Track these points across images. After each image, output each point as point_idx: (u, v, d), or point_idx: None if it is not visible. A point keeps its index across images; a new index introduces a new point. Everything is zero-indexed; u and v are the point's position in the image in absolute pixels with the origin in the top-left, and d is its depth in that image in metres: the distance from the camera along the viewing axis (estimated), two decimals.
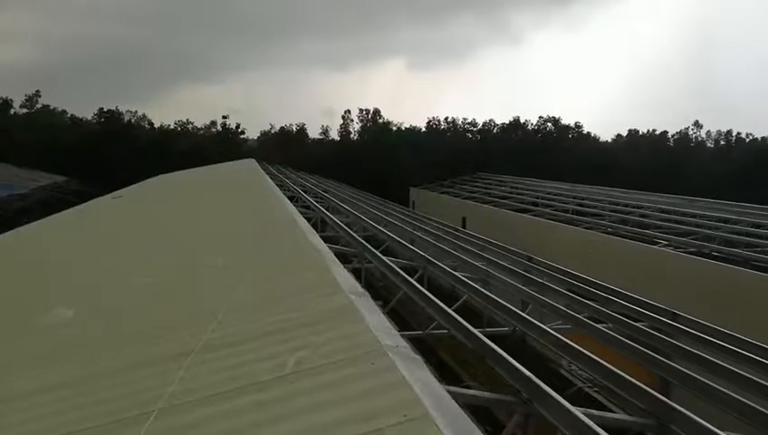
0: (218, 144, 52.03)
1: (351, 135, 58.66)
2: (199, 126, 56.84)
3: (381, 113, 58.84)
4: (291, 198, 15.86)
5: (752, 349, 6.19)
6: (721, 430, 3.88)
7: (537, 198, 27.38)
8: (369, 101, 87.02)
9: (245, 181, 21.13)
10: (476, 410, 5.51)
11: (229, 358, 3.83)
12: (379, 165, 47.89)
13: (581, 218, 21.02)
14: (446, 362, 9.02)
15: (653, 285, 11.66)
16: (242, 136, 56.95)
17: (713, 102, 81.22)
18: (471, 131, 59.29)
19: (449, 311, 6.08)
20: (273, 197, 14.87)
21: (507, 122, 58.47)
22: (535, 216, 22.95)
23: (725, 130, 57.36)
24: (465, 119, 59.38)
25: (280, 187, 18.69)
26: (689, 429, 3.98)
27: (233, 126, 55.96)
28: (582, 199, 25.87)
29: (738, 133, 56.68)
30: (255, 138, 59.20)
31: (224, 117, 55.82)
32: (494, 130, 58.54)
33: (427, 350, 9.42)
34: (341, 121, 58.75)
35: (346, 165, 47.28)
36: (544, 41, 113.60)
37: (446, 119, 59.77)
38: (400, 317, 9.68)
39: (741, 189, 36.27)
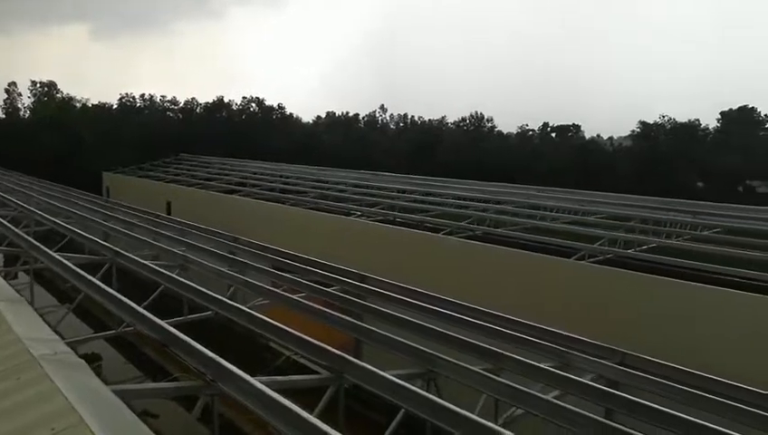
0: None
1: (21, 112, 49.14)
2: None
3: (59, 87, 50.72)
4: None
5: (421, 297, 7.27)
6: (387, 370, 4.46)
7: (244, 178, 27.38)
8: (44, 73, 73.94)
9: None
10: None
11: None
12: (60, 147, 41.25)
13: (287, 196, 21.81)
14: (153, 357, 8.38)
15: (350, 252, 12.82)
16: None
17: (395, 87, 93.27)
18: (172, 110, 55.84)
19: (132, 305, 5.56)
20: None
21: (211, 102, 56.84)
22: (243, 196, 22.92)
23: (403, 114, 66.60)
24: (164, 96, 55.60)
25: None
26: (359, 375, 4.59)
27: None
28: (288, 178, 26.86)
29: (413, 116, 66.43)
30: None
31: None
32: (197, 110, 56.29)
33: (129, 347, 8.59)
34: (5, 96, 48.68)
35: (14, 147, 39.42)
36: (246, 17, 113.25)
37: (143, 96, 55.07)
38: (93, 317, 8.60)
39: (414, 164, 42.64)
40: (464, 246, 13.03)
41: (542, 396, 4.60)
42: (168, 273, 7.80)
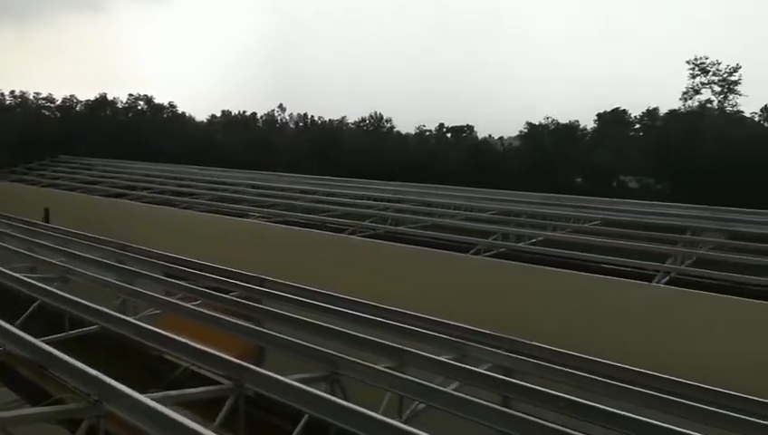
0: None
1: None
2: None
3: None
4: None
5: (323, 298, 7.22)
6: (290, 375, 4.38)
7: (133, 181, 25.70)
8: None
9: None
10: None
11: None
12: None
13: (180, 199, 20.77)
14: (31, 379, 7.62)
15: (248, 256, 12.44)
16: None
17: (293, 87, 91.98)
18: (48, 108, 51.22)
19: (1, 323, 5.00)
20: None
21: (93, 99, 52.79)
22: (133, 200, 21.49)
23: (303, 113, 65.89)
24: (38, 93, 50.86)
25: None
26: (260, 382, 4.48)
27: None
28: (181, 180, 25.58)
29: (313, 116, 65.92)
30: None
31: None
32: (78, 108, 52.05)
33: (1, 370, 7.75)
34: None
35: None
36: (132, 11, 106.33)
37: (13, 93, 50.01)
38: None
39: (315, 164, 42.41)
40: (366, 245, 13.13)
41: (443, 389, 4.73)
42: (45, 286, 7.11)
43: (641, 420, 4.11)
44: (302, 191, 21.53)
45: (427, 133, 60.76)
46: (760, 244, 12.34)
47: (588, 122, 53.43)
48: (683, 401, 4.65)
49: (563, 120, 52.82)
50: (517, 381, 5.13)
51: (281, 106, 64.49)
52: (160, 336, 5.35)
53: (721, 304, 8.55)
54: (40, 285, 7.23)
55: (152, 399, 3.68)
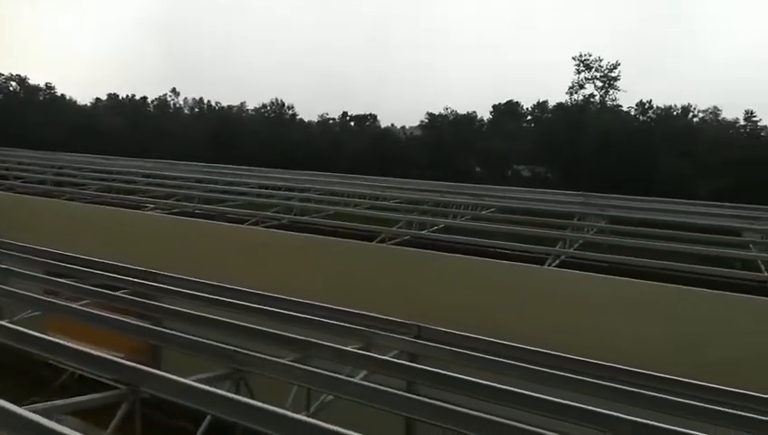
0: None
1: None
2: None
3: None
4: None
5: (223, 292, 6.92)
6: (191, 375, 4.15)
7: (4, 169, 23.21)
8: None
9: None
10: None
11: None
12: None
13: (62, 189, 19.05)
14: None
15: (142, 250, 11.66)
16: None
17: (187, 71, 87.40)
18: None
19: None
20: None
21: None
22: (4, 190, 19.38)
23: (199, 98, 62.87)
24: None
25: None
26: (157, 385, 4.20)
27: None
28: (62, 168, 23.47)
29: (209, 101, 63.10)
30: None
31: None
32: None
33: None
34: None
35: None
36: None
37: None
38: None
39: (213, 151, 40.72)
40: (270, 236, 12.79)
41: (349, 379, 4.71)
42: None
43: (541, 398, 4.33)
44: (200, 180, 20.55)
45: (331, 121, 60.46)
46: (636, 227, 13.54)
47: (484, 113, 55.81)
48: (576, 376, 4.97)
49: (462, 110, 54.77)
50: (422, 367, 5.23)
51: (174, 90, 61.14)
52: (41, 341, 4.84)
53: (606, 284, 9.26)
54: None
55: (33, 410, 3.31)
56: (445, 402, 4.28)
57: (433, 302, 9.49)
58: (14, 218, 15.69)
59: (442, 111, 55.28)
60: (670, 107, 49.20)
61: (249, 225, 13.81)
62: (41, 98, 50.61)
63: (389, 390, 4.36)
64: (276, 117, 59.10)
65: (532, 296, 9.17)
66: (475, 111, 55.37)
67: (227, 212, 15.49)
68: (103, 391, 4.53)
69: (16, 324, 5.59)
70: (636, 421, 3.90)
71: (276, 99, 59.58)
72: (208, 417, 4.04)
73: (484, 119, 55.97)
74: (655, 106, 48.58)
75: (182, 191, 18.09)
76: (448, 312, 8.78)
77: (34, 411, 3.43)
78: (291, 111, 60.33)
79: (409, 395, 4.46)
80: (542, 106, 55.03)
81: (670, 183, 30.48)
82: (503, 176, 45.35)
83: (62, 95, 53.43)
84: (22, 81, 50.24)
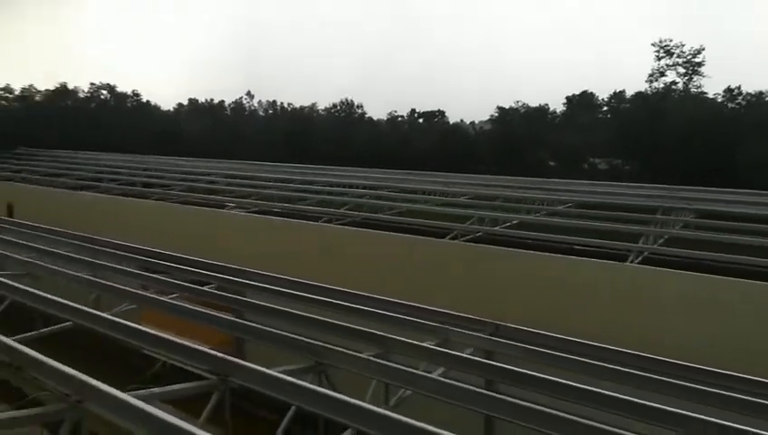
0: None
1: None
2: None
3: None
4: None
5: (303, 288, 7.15)
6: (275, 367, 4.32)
7: (100, 172, 25.04)
8: None
9: None
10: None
11: None
12: None
13: (151, 190, 20.34)
14: (3, 380, 7.41)
15: (225, 247, 12.27)
16: None
17: (260, 74, 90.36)
18: (6, 99, 49.37)
19: None
20: None
21: (53, 89, 51.04)
22: (100, 192, 20.93)
23: (272, 100, 64.83)
24: None
25: None
26: (245, 376, 4.40)
27: None
28: (150, 171, 25.04)
29: (282, 103, 64.90)
30: None
31: None
32: (37, 98, 50.28)
33: None
34: None
35: None
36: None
37: None
38: None
39: (287, 151, 41.90)
40: (344, 233, 13.07)
41: (427, 375, 4.75)
42: (13, 283, 6.88)
43: (620, 398, 4.20)
44: (278, 180, 21.27)
45: (399, 119, 60.57)
46: (726, 222, 12.71)
47: (557, 106, 54.01)
48: (659, 377, 4.77)
49: (533, 103, 53.29)
50: (500, 364, 5.18)
51: (249, 93, 63.37)
52: (138, 332, 5.21)
53: (694, 281, 8.78)
54: (8, 282, 7.00)
55: (136, 396, 3.59)
56: (522, 400, 4.24)
57: (508, 299, 9.36)
58: (110, 218, 16.95)
59: (513, 105, 54.05)
60: (761, 92, 45.61)
61: (323, 222, 14.18)
62: (128, 105, 54.01)
63: (468, 387, 4.36)
64: (346, 116, 59.97)
65: (613, 294, 8.85)
66: (547, 104, 53.74)
67: (303, 210, 15.94)
68: (192, 381, 4.83)
69: (115, 316, 6.05)
70: (721, 424, 3.73)
71: (346, 98, 60.43)
72: (293, 408, 4.20)
73: (557, 111, 54.22)
74: (744, 92, 45.24)
75: (261, 191, 18.82)
76: (524, 309, 8.64)
77: (137, 397, 3.71)
78: (360, 111, 61.05)
79: (489, 393, 4.44)
80: (618, 96, 52.55)
81: (762, 174, 28.23)
82: (578, 170, 43.75)
83: (148, 102, 56.76)
84: (111, 89, 53.82)
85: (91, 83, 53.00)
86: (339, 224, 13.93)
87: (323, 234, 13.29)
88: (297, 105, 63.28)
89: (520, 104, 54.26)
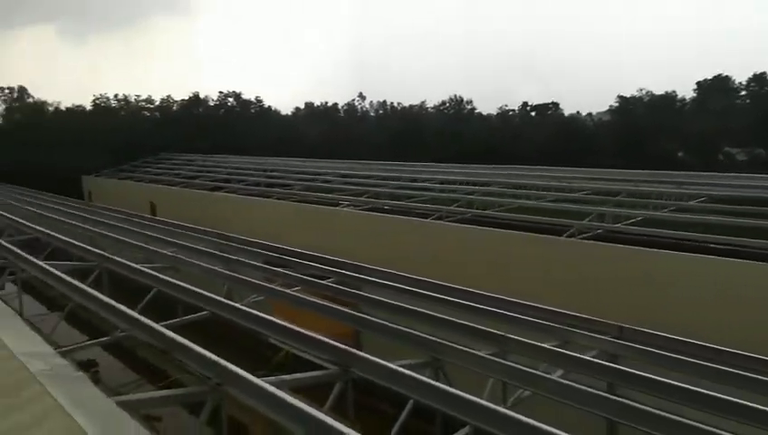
0: None
1: None
2: None
3: (29, 91, 49.72)
4: None
5: (418, 284, 7.25)
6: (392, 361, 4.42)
7: (228, 174, 27.08)
8: (13, 78, 72.10)
9: None
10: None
11: None
12: (35, 153, 40.31)
13: (273, 190, 21.63)
14: (151, 361, 8.30)
15: (342, 242, 12.76)
16: None
17: (371, 75, 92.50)
18: (148, 109, 54.94)
19: (125, 310, 5.46)
20: None
21: (187, 98, 55.96)
22: (229, 192, 22.67)
23: (382, 101, 66.14)
24: (138, 96, 54.64)
25: None
26: (365, 368, 4.56)
27: None
28: (272, 171, 26.62)
29: (392, 103, 66.00)
30: None
31: None
32: (174, 107, 55.42)
33: (125, 353, 8.48)
34: None
35: None
36: (216, 12, 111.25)
37: (116, 96, 54.03)
38: (85, 324, 8.50)
39: (397, 150, 42.53)
40: (456, 230, 13.03)
41: (548, 376, 4.62)
42: (160, 275, 7.68)
43: (758, 409, 3.83)
44: (388, 178, 21.68)
45: (510, 113, 59.09)
46: None
47: (687, 92, 49.69)
48: None
49: (658, 91, 49.47)
50: (625, 368, 4.92)
51: (360, 95, 65.18)
52: (268, 322, 5.60)
53: None
54: (155, 274, 7.81)
55: (269, 383, 3.86)
56: (648, 407, 4.00)
57: (632, 300, 8.82)
58: (238, 215, 18.32)
59: (635, 94, 50.59)
60: None
61: (433, 219, 14.23)
62: (252, 110, 57.81)
63: (593, 390, 4.19)
64: (455, 113, 59.64)
65: (756, 296, 8.00)
66: (674, 91, 49.66)
67: (413, 207, 16.11)
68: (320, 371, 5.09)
69: (246, 307, 6.54)
70: None
71: (455, 95, 60.13)
72: (411, 401, 4.29)
73: (687, 98, 49.86)
74: None
75: (373, 189, 19.31)
76: (651, 311, 8.10)
77: (269, 383, 3.99)
78: (469, 106, 60.41)
79: (616, 397, 4.23)
80: (759, 79, 47.26)
81: None
82: (712, 161, 39.93)
83: (269, 107, 60.37)
84: (237, 96, 57.94)
85: (220, 92, 57.43)
86: (449, 221, 13.91)
87: (434, 231, 13.35)
88: (407, 104, 64.07)
89: (644, 92, 50.61)
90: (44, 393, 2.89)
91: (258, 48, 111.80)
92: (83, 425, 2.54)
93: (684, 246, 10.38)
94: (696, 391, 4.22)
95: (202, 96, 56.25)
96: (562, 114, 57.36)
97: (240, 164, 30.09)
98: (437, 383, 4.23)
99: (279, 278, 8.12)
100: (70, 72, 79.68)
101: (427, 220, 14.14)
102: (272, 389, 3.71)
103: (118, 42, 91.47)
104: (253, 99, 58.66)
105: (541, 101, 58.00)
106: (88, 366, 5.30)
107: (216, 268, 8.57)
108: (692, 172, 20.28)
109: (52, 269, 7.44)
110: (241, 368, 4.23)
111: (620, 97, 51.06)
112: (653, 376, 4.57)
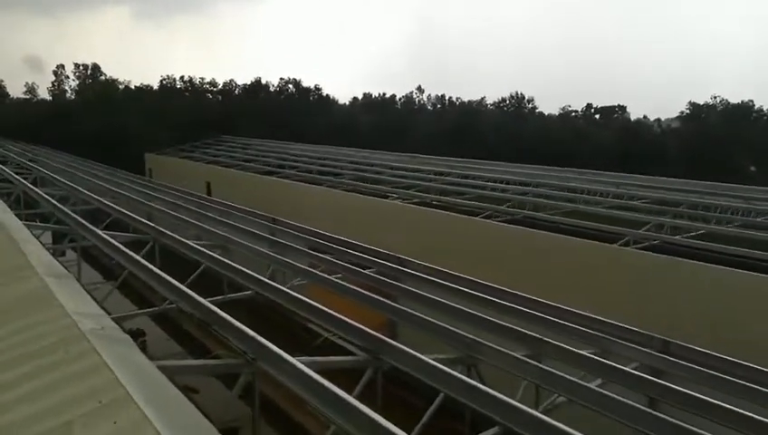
0: None
1: (68, 94, 50.82)
2: None
3: (102, 69, 52.26)
4: None
5: (458, 281, 7.19)
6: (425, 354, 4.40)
7: (283, 160, 27.64)
8: (88, 56, 75.94)
9: None
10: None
11: None
12: (104, 129, 42.37)
13: (325, 178, 21.93)
14: (194, 334, 8.62)
15: (387, 234, 12.80)
16: None
17: (431, 68, 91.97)
18: (211, 92, 56.69)
19: (174, 283, 5.67)
20: None
21: (249, 83, 57.39)
22: (281, 178, 23.15)
23: (441, 94, 65.78)
24: (203, 78, 56.48)
25: None
26: (397, 357, 4.57)
27: None
28: (325, 160, 26.97)
29: (451, 97, 65.56)
30: None
31: None
32: (236, 91, 56.95)
33: (171, 324, 8.84)
34: (54, 78, 50.39)
35: (61, 129, 40.78)
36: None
37: (182, 78, 56.02)
38: (137, 293, 8.91)
39: (452, 145, 42.17)
40: (503, 231, 12.83)
41: (586, 384, 4.48)
42: (209, 252, 7.92)
43: None
44: (438, 173, 21.56)
45: (573, 114, 57.52)
46: None
47: (765, 102, 46.90)
48: None
49: (734, 99, 46.92)
50: (669, 384, 4.71)
51: (419, 88, 65.01)
52: (308, 305, 5.69)
53: None
54: (205, 251, 8.07)
55: (302, 362, 3.93)
56: (692, 426, 3.82)
57: (682, 315, 8.45)
58: (287, 200, 18.68)
59: (708, 101, 48.20)
60: None
61: (482, 217, 14.05)
62: (311, 98, 58.70)
63: (633, 404, 4.04)
64: (515, 111, 58.58)
65: None
66: (751, 100, 46.99)
67: (463, 204, 15.97)
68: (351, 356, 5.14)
69: (289, 289, 6.66)
70: None
71: (516, 92, 59.05)
72: (441, 395, 4.26)
73: (765, 108, 47.08)
74: None
75: (422, 183, 19.25)
76: (699, 328, 7.73)
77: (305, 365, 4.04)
78: (530, 105, 59.21)
79: (658, 413, 4.06)
80: None
81: None
82: None
83: (327, 95, 61.14)
84: (297, 84, 58.97)
85: (280, 78, 58.62)
86: (499, 221, 13.70)
87: (481, 229, 13.19)
88: (465, 99, 63.43)
89: (717, 100, 48.18)
90: (91, 350, 3.03)
91: (319, 37, 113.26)
92: (124, 382, 2.67)
93: (747, 264, 9.83)
94: (749, 417, 3.98)
95: (263, 82, 57.57)
96: (629, 118, 55.38)
97: (295, 151, 30.65)
98: (469, 380, 4.18)
99: (322, 264, 8.23)
100: (140, 53, 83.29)
101: (475, 218, 13.97)
102: (303, 367, 3.78)
103: (187, 25, 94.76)
104: (312, 87, 59.54)
105: (607, 103, 56.20)
106: (135, 334, 5.56)
107: (262, 250, 8.78)
108: (763, 187, 19.14)
109: (109, 238, 7.80)
110: (278, 347, 4.34)
111: (692, 104, 48.80)
112: (702, 396, 4.36)
